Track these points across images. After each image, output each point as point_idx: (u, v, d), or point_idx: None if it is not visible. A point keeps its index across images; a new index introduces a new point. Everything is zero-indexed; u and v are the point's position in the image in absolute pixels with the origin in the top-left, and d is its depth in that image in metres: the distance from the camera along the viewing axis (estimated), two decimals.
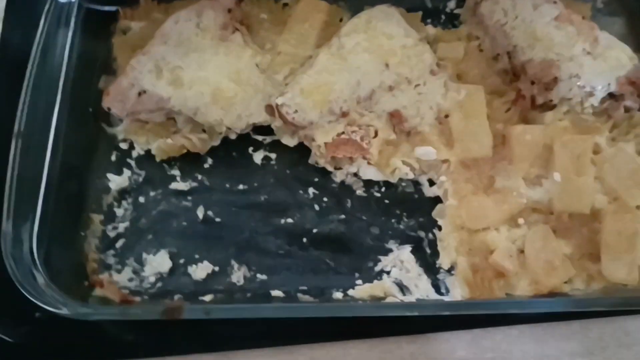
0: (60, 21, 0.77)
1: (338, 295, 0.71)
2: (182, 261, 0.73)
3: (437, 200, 0.76)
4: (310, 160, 0.78)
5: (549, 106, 0.76)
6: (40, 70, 0.73)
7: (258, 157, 0.79)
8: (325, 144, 0.74)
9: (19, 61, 0.82)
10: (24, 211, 0.67)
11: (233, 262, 0.73)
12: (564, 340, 0.71)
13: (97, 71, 0.80)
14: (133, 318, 0.67)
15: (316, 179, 0.78)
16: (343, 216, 0.76)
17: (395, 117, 0.75)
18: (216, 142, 0.78)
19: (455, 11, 0.87)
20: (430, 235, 0.75)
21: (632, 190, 0.71)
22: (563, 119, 0.76)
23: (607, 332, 0.72)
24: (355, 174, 0.77)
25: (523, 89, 0.77)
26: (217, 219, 0.75)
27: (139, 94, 0.74)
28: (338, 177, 0.78)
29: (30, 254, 0.66)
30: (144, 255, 0.73)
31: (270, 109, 0.76)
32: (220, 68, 0.75)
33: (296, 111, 0.73)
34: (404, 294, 0.71)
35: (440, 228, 0.74)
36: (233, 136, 0.79)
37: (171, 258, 0.73)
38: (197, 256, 0.73)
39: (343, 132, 0.74)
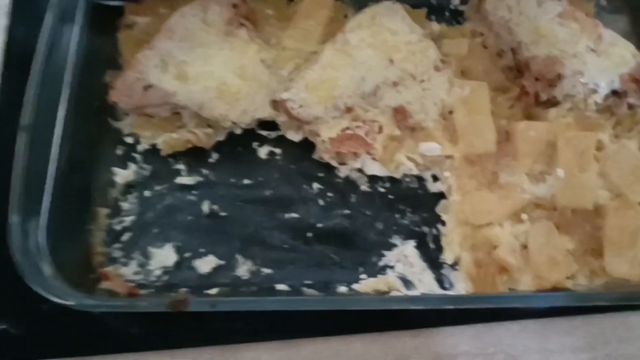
0: (66, 16, 0.77)
1: (342, 289, 0.72)
2: (187, 255, 0.73)
3: (441, 195, 0.77)
4: (315, 156, 0.78)
5: (552, 103, 0.77)
6: (46, 64, 0.72)
7: (263, 152, 0.79)
8: (330, 139, 0.75)
9: (26, 55, 0.82)
10: (30, 204, 0.67)
11: (238, 256, 0.73)
12: (566, 335, 0.72)
13: (102, 66, 0.80)
14: (140, 310, 0.67)
15: (321, 174, 0.78)
16: (347, 211, 0.76)
17: (399, 113, 0.76)
18: (221, 137, 0.79)
19: (460, 8, 0.88)
20: (434, 231, 0.75)
21: (634, 187, 0.72)
22: (566, 116, 0.76)
23: (609, 327, 0.73)
24: (360, 170, 0.78)
25: (527, 86, 0.77)
26: (223, 213, 0.76)
27: (145, 88, 0.74)
28: (342, 172, 0.78)
29: (37, 246, 0.66)
30: (150, 248, 0.73)
31: (276, 104, 0.76)
32: (225, 63, 0.76)
33: (301, 106, 0.74)
34: (408, 289, 0.71)
35: (444, 223, 0.75)
36: (238, 131, 0.79)
37: (177, 252, 0.73)
38: (202, 250, 0.74)
39: (348, 128, 0.75)
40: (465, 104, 0.76)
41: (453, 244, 0.72)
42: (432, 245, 0.75)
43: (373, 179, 0.78)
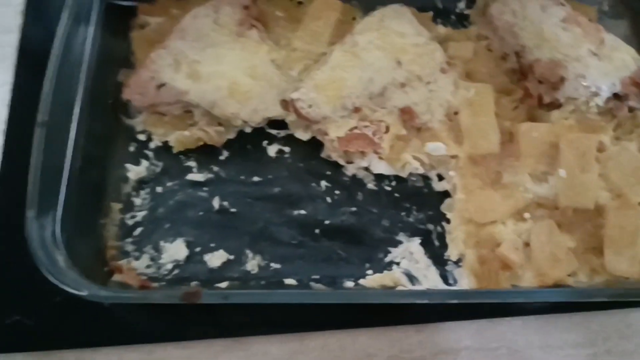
0: (82, 16, 0.78)
1: (349, 284, 0.73)
2: (198, 249, 0.75)
3: (446, 194, 0.78)
4: (323, 154, 0.80)
5: (555, 105, 0.78)
6: (62, 63, 0.74)
7: (272, 150, 0.81)
8: (338, 138, 0.76)
9: (39, 53, 0.84)
10: (46, 198, 0.68)
11: (247, 251, 0.75)
12: (567, 331, 0.74)
13: (116, 64, 0.82)
14: (153, 302, 0.68)
15: (328, 172, 0.80)
16: (354, 208, 0.78)
17: (406, 113, 0.77)
18: (232, 135, 0.80)
19: (465, 12, 0.90)
20: (439, 228, 0.77)
21: (635, 187, 0.73)
22: (569, 118, 0.78)
23: (609, 324, 0.74)
24: (367, 168, 0.79)
25: (530, 88, 0.79)
26: (232, 210, 0.77)
27: (158, 86, 0.76)
28: (349, 170, 0.79)
29: (53, 238, 0.67)
30: (161, 243, 0.75)
31: (285, 104, 0.78)
32: (237, 63, 0.77)
33: (310, 106, 0.76)
34: (413, 284, 0.73)
35: (448, 221, 0.76)
36: (248, 130, 0.81)
37: (187, 246, 0.74)
38: (212, 245, 0.75)
39: (355, 127, 0.76)
40: (470, 106, 0.78)
41: (457, 241, 0.74)
42: (436, 243, 0.76)
43: (379, 178, 0.79)
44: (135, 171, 0.78)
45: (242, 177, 0.79)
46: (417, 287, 0.73)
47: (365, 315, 0.72)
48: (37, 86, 0.73)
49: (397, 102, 0.77)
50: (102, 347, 0.71)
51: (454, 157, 0.77)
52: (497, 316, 0.74)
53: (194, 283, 0.73)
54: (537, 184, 0.75)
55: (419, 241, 0.76)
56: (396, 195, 0.79)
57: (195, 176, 0.79)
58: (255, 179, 0.79)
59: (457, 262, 0.74)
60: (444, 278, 0.74)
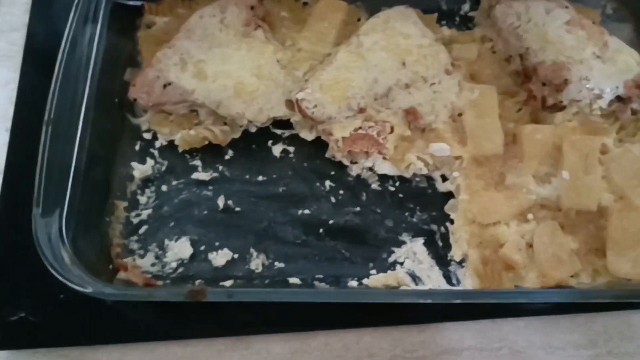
0: (89, 15, 0.79)
1: (353, 283, 0.74)
2: (202, 248, 0.75)
3: (450, 195, 0.78)
4: (327, 154, 0.80)
5: (558, 107, 0.79)
6: (68, 61, 0.74)
7: (277, 150, 0.81)
8: (343, 138, 0.76)
9: (44, 52, 0.85)
10: (53, 196, 0.69)
11: (252, 250, 0.75)
12: (569, 332, 0.74)
13: (122, 64, 0.83)
14: (158, 299, 0.69)
15: (332, 172, 0.80)
16: (358, 209, 0.78)
17: (410, 114, 0.78)
18: (237, 135, 0.81)
19: (470, 14, 0.90)
20: (442, 229, 0.77)
21: (637, 190, 0.73)
22: (572, 120, 0.78)
23: (611, 325, 0.74)
24: (371, 168, 0.79)
25: (534, 90, 0.79)
26: (237, 209, 0.78)
27: (164, 86, 0.77)
28: (354, 170, 0.80)
29: (60, 235, 0.68)
30: (166, 241, 0.75)
31: (290, 104, 0.78)
32: (242, 63, 0.78)
33: (315, 106, 0.76)
34: (416, 284, 0.73)
35: (452, 222, 0.77)
36: (253, 129, 0.81)
37: (192, 245, 0.75)
38: (217, 243, 0.75)
39: (360, 128, 0.77)
40: (474, 107, 0.78)
41: (461, 242, 0.74)
42: (440, 243, 0.76)
43: (383, 178, 0.80)
44: (140, 170, 0.78)
45: (247, 177, 0.80)
46: (420, 287, 0.73)
47: (368, 314, 0.73)
48: (42, 84, 0.74)
49: (402, 103, 0.78)
50: (105, 344, 0.72)
51: (457, 158, 0.77)
52: (500, 316, 0.74)
53: (198, 281, 0.73)
54: (541, 185, 0.75)
55: (423, 241, 0.76)
56: (400, 195, 0.79)
57: (200, 175, 0.79)
58: (260, 178, 0.80)
59: (460, 263, 0.75)
60: (447, 278, 0.74)
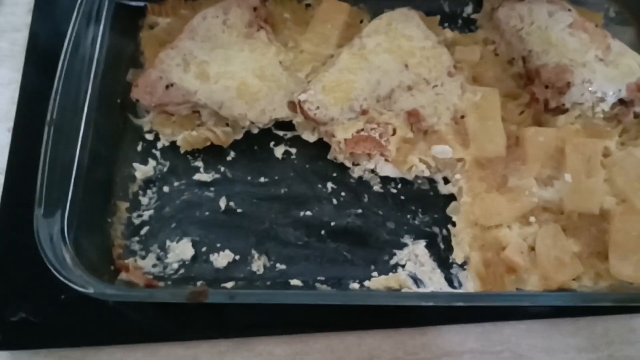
0: (92, 16, 0.79)
1: (355, 285, 0.74)
2: (204, 249, 0.75)
3: (452, 197, 0.78)
4: (329, 156, 0.80)
5: (561, 110, 0.79)
6: (71, 61, 0.75)
7: (279, 151, 0.81)
8: (345, 140, 0.76)
9: (46, 52, 0.85)
10: (55, 196, 0.69)
11: (253, 251, 0.75)
12: (571, 335, 0.74)
13: (125, 64, 0.83)
14: (159, 300, 0.69)
15: (334, 174, 0.80)
16: (360, 210, 0.78)
17: (413, 116, 0.78)
18: (239, 136, 0.81)
19: (472, 16, 0.90)
20: (444, 231, 0.77)
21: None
22: (575, 123, 0.78)
23: (612, 328, 0.74)
24: (373, 170, 0.80)
25: (537, 93, 0.79)
26: (239, 210, 0.78)
27: (167, 86, 0.77)
28: (356, 172, 0.80)
29: (61, 235, 0.68)
30: (168, 242, 0.75)
31: (293, 105, 0.78)
32: (245, 64, 0.78)
33: (318, 107, 0.76)
34: (418, 287, 0.73)
35: (454, 224, 0.77)
36: (255, 130, 0.81)
37: (194, 246, 0.75)
38: (218, 245, 0.75)
39: (362, 129, 0.77)
40: (477, 109, 0.78)
41: (463, 244, 0.74)
42: (442, 245, 0.76)
43: (385, 180, 0.80)
44: (142, 170, 0.79)
45: (249, 178, 0.80)
46: (422, 290, 0.73)
47: (370, 317, 0.73)
48: (44, 85, 0.74)
49: (404, 104, 0.78)
50: (106, 345, 0.72)
51: (460, 160, 0.77)
52: (502, 319, 0.74)
53: (199, 283, 0.73)
54: (543, 188, 0.75)
55: (425, 244, 0.76)
56: (402, 197, 0.79)
57: (202, 176, 0.79)
58: (262, 179, 0.80)
59: (462, 265, 0.75)
60: (449, 281, 0.74)
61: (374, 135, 0.77)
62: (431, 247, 0.76)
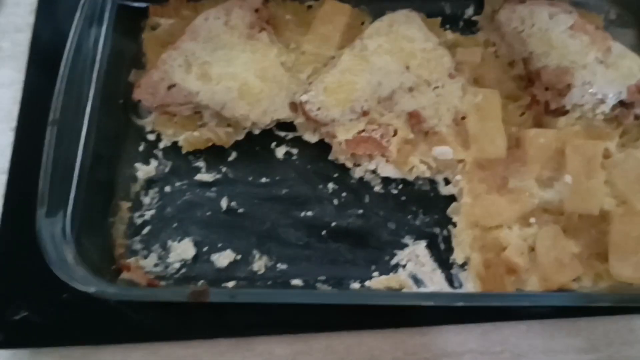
0: (94, 16, 0.79)
1: (355, 285, 0.74)
2: (205, 249, 0.75)
3: (452, 198, 0.78)
4: (331, 157, 0.81)
5: (561, 111, 0.79)
6: (74, 62, 0.75)
7: (280, 152, 0.81)
8: (346, 141, 0.77)
9: (50, 52, 0.85)
10: (57, 196, 0.70)
11: (255, 251, 0.75)
12: (571, 336, 0.74)
13: (127, 65, 0.83)
14: (161, 300, 0.69)
15: (336, 175, 0.80)
16: (361, 211, 0.78)
17: (414, 117, 0.78)
18: (240, 137, 0.81)
19: (473, 18, 0.90)
20: (445, 232, 0.77)
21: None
22: (575, 124, 0.78)
23: (612, 329, 0.74)
24: (374, 171, 0.80)
25: (537, 95, 0.79)
26: (240, 210, 0.78)
27: (169, 87, 0.77)
28: (357, 173, 0.80)
29: (63, 235, 0.68)
30: (169, 242, 0.76)
31: (294, 106, 0.79)
32: (247, 65, 0.78)
33: (319, 108, 0.76)
34: (418, 287, 0.73)
35: (454, 225, 0.77)
36: (257, 131, 0.81)
37: (195, 246, 0.75)
38: (220, 245, 0.76)
39: (363, 130, 0.77)
40: (478, 111, 0.78)
41: (463, 245, 0.74)
42: (442, 246, 0.77)
43: (386, 181, 0.80)
44: (144, 170, 0.79)
45: (250, 178, 0.80)
46: (422, 290, 0.73)
47: (370, 317, 0.73)
48: (47, 85, 0.74)
49: (405, 106, 0.78)
50: (108, 344, 0.72)
51: (460, 161, 0.77)
52: (502, 320, 0.74)
53: (200, 282, 0.73)
54: (543, 189, 0.75)
55: (425, 244, 0.76)
56: (403, 198, 0.79)
57: (204, 176, 0.79)
58: (263, 180, 0.80)
59: (462, 266, 0.75)
60: (450, 281, 0.74)
61: (375, 136, 0.77)
62: (432, 247, 0.76)
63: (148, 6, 0.86)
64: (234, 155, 0.81)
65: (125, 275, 0.72)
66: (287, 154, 0.82)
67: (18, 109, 0.83)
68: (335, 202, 0.79)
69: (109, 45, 0.80)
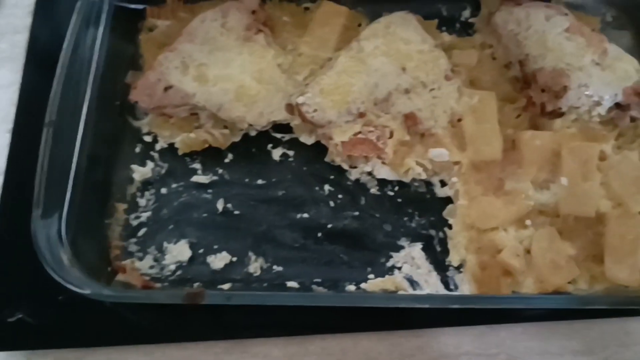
0: (91, 18, 0.79)
1: (351, 287, 0.74)
2: (201, 251, 0.75)
3: (448, 200, 0.78)
4: (327, 158, 0.81)
5: (557, 114, 0.79)
6: (71, 64, 0.75)
7: (276, 153, 0.81)
8: (342, 142, 0.77)
9: (47, 53, 0.85)
10: (53, 197, 0.69)
11: (250, 253, 0.75)
12: (566, 338, 0.74)
13: (124, 66, 0.83)
14: (156, 302, 0.69)
15: (332, 177, 0.80)
16: (357, 213, 0.78)
17: (410, 119, 0.78)
18: (237, 138, 0.81)
19: (470, 20, 0.90)
20: (441, 234, 0.77)
21: (635, 197, 0.74)
22: (571, 127, 0.78)
23: (608, 332, 0.74)
24: (370, 173, 0.80)
25: (533, 97, 0.79)
26: (236, 212, 0.78)
27: (165, 89, 0.77)
28: (353, 175, 0.80)
29: (59, 237, 0.68)
30: (165, 244, 0.75)
31: (290, 108, 0.79)
32: (244, 67, 0.78)
33: (315, 110, 0.76)
34: (414, 289, 0.73)
35: (450, 227, 0.77)
36: (253, 133, 0.81)
37: (191, 247, 0.75)
38: (216, 246, 0.76)
39: (360, 132, 0.77)
40: (474, 113, 0.78)
41: (459, 247, 0.74)
42: (438, 248, 0.77)
43: (382, 183, 0.80)
44: (140, 172, 0.79)
45: (247, 180, 0.80)
46: (418, 292, 0.73)
47: (366, 319, 0.73)
48: (44, 87, 0.74)
49: (402, 107, 0.78)
50: (103, 346, 0.72)
51: (456, 163, 0.77)
52: (497, 322, 0.74)
53: (196, 284, 0.73)
54: (539, 191, 0.76)
55: (421, 246, 0.76)
56: (399, 200, 0.79)
57: (200, 178, 0.79)
58: (259, 181, 0.80)
59: (458, 268, 0.75)
60: (445, 283, 0.74)
61: (371, 138, 0.77)
62: (427, 249, 0.76)
63: (145, 8, 0.86)
64: (230, 157, 0.81)
65: (121, 277, 0.72)
66: (284, 155, 0.81)
67: (15, 111, 0.83)
68: (331, 203, 0.79)
69: (105, 46, 0.80)
